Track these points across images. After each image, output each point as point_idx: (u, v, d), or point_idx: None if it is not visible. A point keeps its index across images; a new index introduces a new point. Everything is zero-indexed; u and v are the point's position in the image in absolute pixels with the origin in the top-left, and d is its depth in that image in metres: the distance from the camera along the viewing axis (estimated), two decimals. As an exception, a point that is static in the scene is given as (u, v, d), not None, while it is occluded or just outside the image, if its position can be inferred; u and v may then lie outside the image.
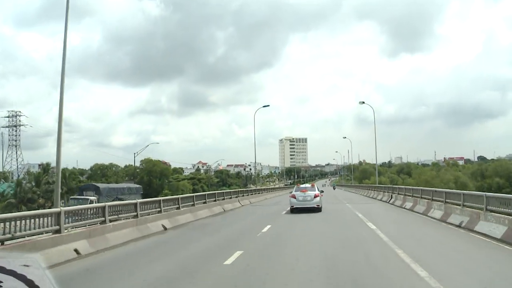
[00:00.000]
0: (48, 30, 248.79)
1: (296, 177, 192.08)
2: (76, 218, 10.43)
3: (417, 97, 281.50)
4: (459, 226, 13.61)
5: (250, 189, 37.42)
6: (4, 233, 8.00)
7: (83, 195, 35.43)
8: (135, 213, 13.21)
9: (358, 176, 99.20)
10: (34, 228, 8.75)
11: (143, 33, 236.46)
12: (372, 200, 32.52)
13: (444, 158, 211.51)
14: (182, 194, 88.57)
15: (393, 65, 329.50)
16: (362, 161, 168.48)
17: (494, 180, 68.50)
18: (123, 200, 23.14)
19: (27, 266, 1.67)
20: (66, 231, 9.62)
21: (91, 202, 26.47)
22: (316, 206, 20.61)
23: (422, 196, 20.60)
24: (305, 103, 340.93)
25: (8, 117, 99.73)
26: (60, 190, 15.20)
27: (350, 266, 7.97)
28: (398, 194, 26.22)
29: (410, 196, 23.34)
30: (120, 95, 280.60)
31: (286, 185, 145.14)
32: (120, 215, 12.66)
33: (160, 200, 16.04)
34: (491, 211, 11.81)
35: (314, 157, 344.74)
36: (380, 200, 31.19)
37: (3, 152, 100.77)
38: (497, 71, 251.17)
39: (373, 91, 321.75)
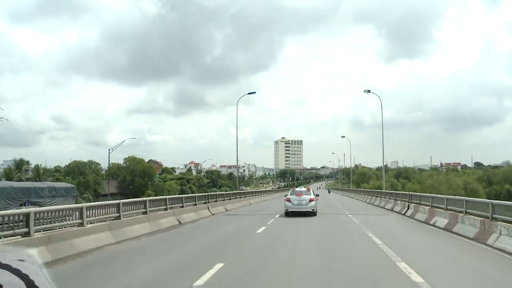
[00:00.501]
0: (44, 27, 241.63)
1: (290, 179, 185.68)
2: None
3: (414, 102, 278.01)
4: None
5: (230, 192, 30.65)
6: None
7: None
8: None
9: (356, 179, 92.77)
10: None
11: (140, 32, 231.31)
12: (380, 210, 25.95)
13: (441, 163, 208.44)
14: (168, 194, 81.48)
15: (390, 69, 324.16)
16: (358, 164, 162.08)
17: (504, 186, 62.35)
18: (39, 205, 16.56)
19: (23, 260, 1.64)
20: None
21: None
22: (311, 210, 20.09)
23: (451, 207, 14.71)
24: (301, 106, 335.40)
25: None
26: None
27: None
28: (419, 204, 19.64)
29: (428, 206, 17.69)
30: (116, 93, 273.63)
31: (278, 187, 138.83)
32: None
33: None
34: None
35: (310, 160, 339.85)
36: (391, 210, 24.67)
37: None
38: (495, 78, 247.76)
39: (370, 95, 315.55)
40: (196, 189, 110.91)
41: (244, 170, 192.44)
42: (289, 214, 20.30)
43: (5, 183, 22.45)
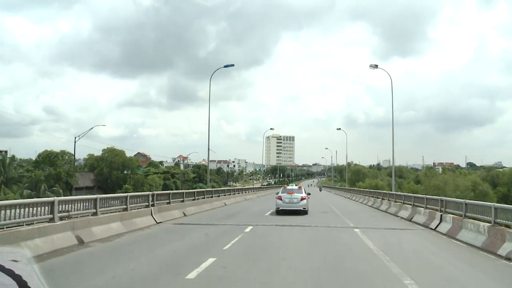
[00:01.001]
0: (36, 16, 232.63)
1: (281, 176, 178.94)
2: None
3: (407, 101, 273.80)
4: None
5: (199, 190, 23.71)
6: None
7: None
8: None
9: (350, 177, 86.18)
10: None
11: (133, 24, 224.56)
12: (394, 220, 18.76)
13: (434, 163, 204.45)
14: (149, 190, 74.32)
15: (384, 67, 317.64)
16: (350, 162, 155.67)
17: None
18: None
19: (16, 261, 1.64)
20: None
21: None
22: (302, 209, 19.67)
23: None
24: (294, 102, 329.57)
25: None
26: None
27: None
28: (444, 212, 12.83)
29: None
30: (108, 85, 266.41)
31: (266, 185, 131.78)
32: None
33: None
34: None
35: (302, 157, 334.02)
36: (409, 220, 17.71)
37: None
38: (487, 79, 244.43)
39: (363, 93, 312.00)
40: (181, 184, 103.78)
41: (234, 166, 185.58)
42: (280, 212, 19.67)
43: None
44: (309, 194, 22.35)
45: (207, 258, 8.35)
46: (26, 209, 8.66)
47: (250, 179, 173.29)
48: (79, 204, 10.99)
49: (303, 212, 19.60)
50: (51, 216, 9.38)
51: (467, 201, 13.06)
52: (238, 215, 19.41)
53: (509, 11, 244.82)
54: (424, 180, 57.74)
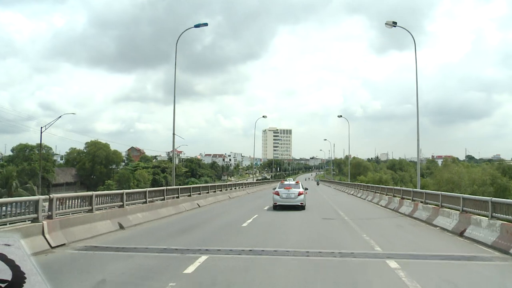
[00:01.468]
0: (30, 10, 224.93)
1: (278, 169, 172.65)
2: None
3: (404, 94, 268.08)
4: None
5: (163, 189, 17.17)
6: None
7: None
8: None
9: (350, 171, 79.84)
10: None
11: (129, 18, 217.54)
12: (443, 238, 11.75)
13: (432, 156, 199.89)
14: (138, 186, 67.85)
15: (381, 61, 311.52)
16: (348, 155, 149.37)
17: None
18: None
19: (8, 245, 1.63)
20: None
21: None
22: (300, 204, 19.23)
23: None
24: (291, 96, 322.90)
25: None
26: None
27: None
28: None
29: None
30: (104, 80, 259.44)
31: (261, 179, 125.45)
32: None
33: None
34: None
35: (299, 151, 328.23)
36: (462, 236, 11.08)
37: None
38: (484, 72, 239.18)
39: (360, 87, 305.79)
40: (172, 179, 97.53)
41: (230, 160, 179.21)
42: (277, 207, 19.15)
43: None
44: (307, 189, 21.45)
45: None
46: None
47: (246, 173, 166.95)
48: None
49: (301, 207, 19.06)
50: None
51: None
52: (200, 228, 13.03)
53: (506, 4, 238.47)
54: (436, 174, 51.42)
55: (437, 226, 13.26)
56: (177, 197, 18.87)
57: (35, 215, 8.94)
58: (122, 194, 13.25)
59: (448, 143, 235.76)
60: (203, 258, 7.92)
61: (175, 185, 22.02)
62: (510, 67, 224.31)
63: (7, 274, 1.56)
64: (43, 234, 8.93)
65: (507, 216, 9.58)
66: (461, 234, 11.37)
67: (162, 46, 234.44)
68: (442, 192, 15.16)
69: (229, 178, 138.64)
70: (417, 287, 6.02)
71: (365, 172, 74.19)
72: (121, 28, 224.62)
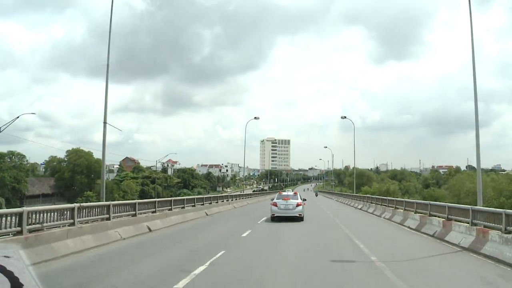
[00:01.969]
0: (29, 21, 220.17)
1: (276, 180, 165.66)
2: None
3: (402, 104, 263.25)
4: None
5: (96, 204, 10.36)
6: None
7: None
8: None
9: (352, 181, 73.04)
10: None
11: (128, 28, 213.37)
12: None
13: (433, 166, 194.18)
14: (124, 197, 61.01)
15: (380, 71, 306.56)
16: (347, 166, 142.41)
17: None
18: None
19: (8, 257, 1.62)
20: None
21: None
22: (298, 215, 18.62)
23: None
24: (290, 107, 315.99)
25: None
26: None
27: None
28: None
29: None
30: (103, 91, 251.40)
31: (261, 189, 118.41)
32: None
33: None
34: None
35: (297, 161, 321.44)
36: None
37: None
38: (483, 82, 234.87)
39: (359, 97, 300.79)
40: (162, 190, 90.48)
41: (227, 170, 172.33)
42: (275, 219, 18.50)
43: None
44: (305, 199, 21.05)
45: None
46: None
47: (244, 184, 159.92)
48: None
49: (299, 219, 18.46)
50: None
51: None
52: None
53: (504, 14, 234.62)
54: (454, 183, 44.64)
55: None
56: (120, 217, 12.20)
57: None
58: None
59: (448, 154, 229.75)
60: None
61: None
62: (509, 77, 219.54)
63: (6, 286, 1.52)
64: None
65: None
66: None
67: (161, 56, 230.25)
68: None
69: (225, 189, 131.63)
70: None
71: (369, 182, 67.36)
72: (119, 38, 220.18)
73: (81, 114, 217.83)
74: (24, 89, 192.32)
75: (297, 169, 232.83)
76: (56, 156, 69.58)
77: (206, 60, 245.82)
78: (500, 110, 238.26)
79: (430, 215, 15.12)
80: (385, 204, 23.72)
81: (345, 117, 41.05)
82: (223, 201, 28.29)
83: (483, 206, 14.67)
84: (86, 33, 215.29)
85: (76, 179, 65.22)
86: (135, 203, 14.32)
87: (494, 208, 12.45)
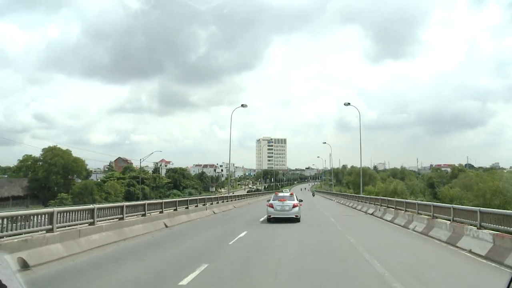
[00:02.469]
0: (22, 21, 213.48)
1: (272, 180, 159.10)
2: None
3: (399, 103, 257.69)
4: None
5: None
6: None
7: None
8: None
9: (354, 180, 66.59)
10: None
11: (123, 28, 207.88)
12: None
13: (431, 164, 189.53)
14: (107, 199, 54.46)
15: (376, 70, 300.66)
16: (345, 165, 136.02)
17: None
18: None
19: None
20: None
21: None
22: (294, 216, 18.14)
23: None
24: (286, 106, 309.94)
25: None
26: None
27: None
28: None
29: None
30: (98, 91, 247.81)
31: (256, 190, 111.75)
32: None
33: None
34: None
35: (294, 161, 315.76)
36: None
37: None
38: (479, 81, 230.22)
39: (355, 96, 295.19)
40: (149, 191, 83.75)
41: (222, 170, 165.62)
42: (271, 220, 17.94)
43: None
44: (301, 200, 20.62)
45: None
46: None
47: (239, 184, 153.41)
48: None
49: (295, 220, 17.95)
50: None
51: None
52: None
53: (500, 13, 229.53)
54: (477, 181, 38.23)
55: None
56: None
57: None
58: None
59: (444, 152, 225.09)
60: None
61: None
62: (504, 75, 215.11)
63: None
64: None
65: None
66: None
67: (156, 56, 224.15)
68: None
69: (219, 189, 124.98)
70: None
71: (371, 181, 60.81)
72: (114, 38, 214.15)
73: (77, 115, 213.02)
74: (19, 90, 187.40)
75: (294, 168, 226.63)
76: (31, 155, 62.81)
77: (201, 59, 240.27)
78: (495, 109, 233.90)
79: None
80: (409, 210, 17.24)
81: (348, 103, 34.57)
82: (196, 205, 21.68)
83: None
84: (81, 33, 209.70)
85: (51, 179, 58.46)
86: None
87: None
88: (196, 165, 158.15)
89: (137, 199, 66.12)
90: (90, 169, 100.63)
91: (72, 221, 9.68)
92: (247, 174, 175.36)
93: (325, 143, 65.86)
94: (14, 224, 7.74)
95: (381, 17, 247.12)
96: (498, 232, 9.26)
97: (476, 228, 10.16)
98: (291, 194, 19.85)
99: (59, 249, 8.60)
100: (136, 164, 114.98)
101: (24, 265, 7.16)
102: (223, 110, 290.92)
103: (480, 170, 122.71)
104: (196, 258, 8.82)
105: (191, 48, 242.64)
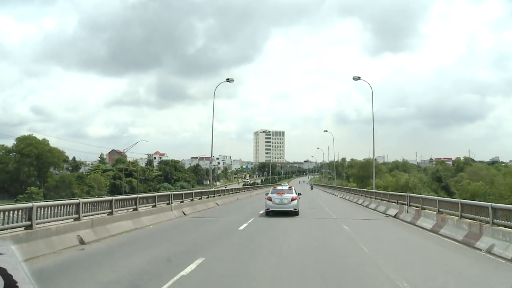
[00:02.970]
0: (18, 13, 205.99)
1: (270, 173, 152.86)
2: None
3: (398, 97, 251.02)
4: None
5: None
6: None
7: None
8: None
9: (357, 173, 60.08)
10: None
11: (120, 20, 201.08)
12: None
13: (431, 158, 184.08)
14: (84, 194, 48.49)
15: (375, 64, 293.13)
16: (344, 158, 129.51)
17: None
18: None
19: (1, 254, 1.56)
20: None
21: None
22: (293, 209, 17.67)
23: None
24: (285, 100, 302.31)
25: None
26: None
27: None
28: None
29: None
30: (96, 84, 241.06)
31: (253, 183, 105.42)
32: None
33: None
34: None
35: (293, 154, 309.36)
36: None
37: None
38: (478, 74, 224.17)
39: (354, 90, 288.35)
40: (137, 184, 77.35)
41: (218, 163, 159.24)
42: (270, 213, 17.52)
43: None
44: (300, 194, 19.66)
45: None
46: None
47: (235, 177, 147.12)
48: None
49: (294, 213, 17.41)
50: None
51: None
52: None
53: (500, 6, 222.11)
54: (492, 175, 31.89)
55: None
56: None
57: None
58: None
59: (443, 146, 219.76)
60: None
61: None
62: (503, 69, 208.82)
63: None
64: None
65: None
66: None
67: (154, 49, 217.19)
68: None
69: (214, 183, 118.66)
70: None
71: (377, 174, 54.01)
72: (111, 30, 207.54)
73: (75, 108, 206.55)
74: (16, 83, 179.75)
75: (292, 161, 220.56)
76: (3, 145, 56.18)
77: (199, 52, 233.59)
78: (494, 103, 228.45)
79: None
80: (444, 211, 10.85)
81: (358, 77, 28.01)
82: (159, 205, 15.21)
83: None
84: (78, 25, 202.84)
85: (23, 171, 51.89)
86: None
87: None
88: (193, 158, 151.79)
89: (124, 193, 59.85)
90: (84, 162, 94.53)
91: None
92: (244, 167, 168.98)
93: (326, 131, 59.40)
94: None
95: (380, 10, 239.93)
96: None
97: None
98: (290, 188, 19.79)
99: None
100: (131, 156, 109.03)
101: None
102: (221, 103, 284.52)
103: (484, 164, 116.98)
104: None
105: (189, 40, 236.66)
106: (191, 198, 20.78)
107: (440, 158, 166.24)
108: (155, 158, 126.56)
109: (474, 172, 65.36)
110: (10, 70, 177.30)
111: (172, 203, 17.20)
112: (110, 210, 11.52)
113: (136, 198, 13.81)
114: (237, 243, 10.29)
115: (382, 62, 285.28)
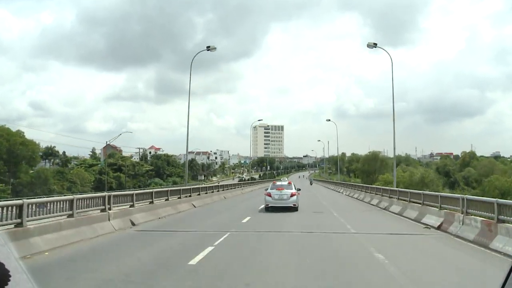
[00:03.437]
0: (15, 7, 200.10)
1: (268, 168, 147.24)
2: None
3: (397, 91, 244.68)
4: None
5: None
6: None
7: None
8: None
9: (362, 168, 54.29)
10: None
11: (118, 15, 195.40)
12: None
13: (431, 153, 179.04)
14: (64, 190, 42.78)
15: (375, 58, 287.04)
16: (343, 153, 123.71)
17: None
18: None
19: None
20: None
21: None
22: (292, 205, 17.58)
23: None
24: (284, 94, 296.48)
25: None
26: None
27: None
28: None
29: None
30: (94, 79, 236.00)
31: (251, 179, 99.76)
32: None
33: None
34: None
35: (292, 149, 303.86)
36: None
37: None
38: (478, 69, 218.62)
39: (353, 85, 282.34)
40: (125, 180, 71.63)
41: (216, 158, 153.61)
42: (269, 209, 17.36)
43: None
44: (299, 189, 19.36)
45: None
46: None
47: (233, 172, 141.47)
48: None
49: (293, 209, 17.32)
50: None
51: None
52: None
53: (501, 0, 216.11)
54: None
55: None
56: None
57: None
58: None
59: (443, 141, 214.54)
60: None
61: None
62: (503, 64, 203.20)
63: None
64: None
65: None
66: None
67: (153, 43, 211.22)
68: None
69: (210, 178, 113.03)
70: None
71: (383, 169, 48.11)
72: (110, 24, 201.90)
73: (73, 103, 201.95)
74: (14, 78, 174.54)
75: (291, 156, 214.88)
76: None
77: (199, 47, 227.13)
78: (494, 98, 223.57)
79: None
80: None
81: (374, 44, 22.12)
82: (102, 208, 9.51)
83: None
84: (76, 19, 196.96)
85: (-10, 166, 46.09)
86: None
87: None
88: (189, 152, 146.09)
89: (110, 189, 54.32)
90: (77, 156, 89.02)
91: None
92: (242, 162, 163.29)
93: (329, 120, 53.63)
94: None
95: (381, 5, 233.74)
96: None
97: None
98: (289, 183, 19.73)
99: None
100: (128, 151, 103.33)
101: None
102: (221, 98, 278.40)
103: (490, 158, 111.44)
104: None
105: (188, 35, 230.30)
106: (150, 200, 14.98)
107: (441, 153, 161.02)
108: (150, 152, 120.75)
109: (486, 167, 59.54)
110: (8, 65, 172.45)
111: (111, 209, 11.43)
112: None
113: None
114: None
115: (382, 57, 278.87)
